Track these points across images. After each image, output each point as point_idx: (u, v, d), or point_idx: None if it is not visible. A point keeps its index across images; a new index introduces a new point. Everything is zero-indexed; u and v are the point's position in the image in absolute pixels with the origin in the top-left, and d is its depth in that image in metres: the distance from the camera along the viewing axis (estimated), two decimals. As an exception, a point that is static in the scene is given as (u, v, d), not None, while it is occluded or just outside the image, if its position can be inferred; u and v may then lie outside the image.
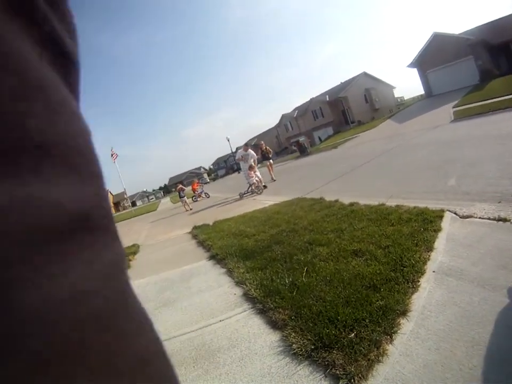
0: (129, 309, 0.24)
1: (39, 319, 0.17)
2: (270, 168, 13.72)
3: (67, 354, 0.18)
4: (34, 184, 0.19)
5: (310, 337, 2.02)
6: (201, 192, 17.44)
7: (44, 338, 0.17)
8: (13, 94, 0.19)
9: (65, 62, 0.25)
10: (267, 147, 13.56)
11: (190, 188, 21.12)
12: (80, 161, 0.22)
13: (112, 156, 30.13)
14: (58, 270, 0.19)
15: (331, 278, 2.71)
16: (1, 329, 0.16)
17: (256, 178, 10.87)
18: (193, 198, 17.64)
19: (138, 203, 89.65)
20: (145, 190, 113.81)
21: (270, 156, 13.48)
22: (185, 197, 13.66)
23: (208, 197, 16.50)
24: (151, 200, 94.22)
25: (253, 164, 11.25)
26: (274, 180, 13.41)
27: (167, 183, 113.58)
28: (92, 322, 0.20)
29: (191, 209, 12.93)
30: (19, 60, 0.20)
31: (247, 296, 2.92)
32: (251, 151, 11.74)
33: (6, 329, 0.16)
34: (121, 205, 78.66)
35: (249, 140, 56.36)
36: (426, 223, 3.32)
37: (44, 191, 0.19)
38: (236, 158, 12.14)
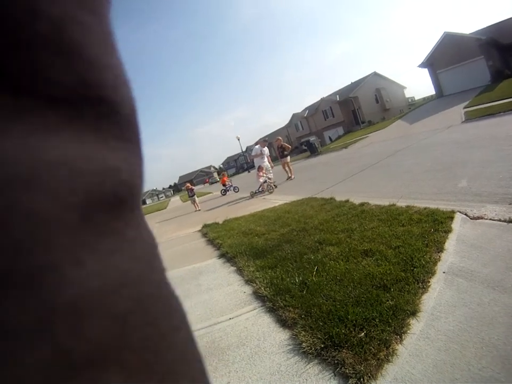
0: (170, 299, 0.21)
1: (78, 309, 0.14)
2: (287, 166, 12.97)
3: (103, 353, 0.15)
4: (91, 143, 0.17)
5: (319, 336, 2.03)
6: (230, 186, 16.59)
7: (78, 333, 0.14)
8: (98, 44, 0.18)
9: None
10: (284, 143, 12.72)
11: (199, 186, 20.51)
12: (135, 128, 0.21)
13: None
14: (105, 248, 0.16)
15: (341, 278, 2.72)
16: (29, 317, 0.13)
17: (267, 177, 10.89)
18: (222, 191, 16.88)
19: (148, 201, 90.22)
20: (155, 188, 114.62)
21: (287, 152, 12.62)
22: (195, 196, 13.29)
23: (237, 191, 15.63)
24: (160, 199, 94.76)
25: (262, 165, 11.25)
26: (292, 178, 12.85)
27: (177, 181, 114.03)
28: (136, 314, 0.17)
29: (199, 209, 12.82)
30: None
31: (257, 295, 2.94)
32: (267, 149, 11.84)
33: (34, 318, 0.13)
34: (131, 203, 78.62)
35: (260, 139, 56.16)
36: (436, 224, 3.30)
37: (100, 153, 0.17)
38: (253, 153, 11.89)
